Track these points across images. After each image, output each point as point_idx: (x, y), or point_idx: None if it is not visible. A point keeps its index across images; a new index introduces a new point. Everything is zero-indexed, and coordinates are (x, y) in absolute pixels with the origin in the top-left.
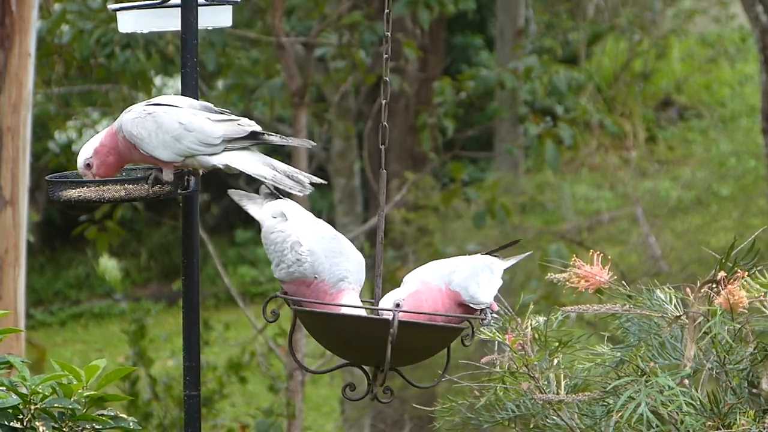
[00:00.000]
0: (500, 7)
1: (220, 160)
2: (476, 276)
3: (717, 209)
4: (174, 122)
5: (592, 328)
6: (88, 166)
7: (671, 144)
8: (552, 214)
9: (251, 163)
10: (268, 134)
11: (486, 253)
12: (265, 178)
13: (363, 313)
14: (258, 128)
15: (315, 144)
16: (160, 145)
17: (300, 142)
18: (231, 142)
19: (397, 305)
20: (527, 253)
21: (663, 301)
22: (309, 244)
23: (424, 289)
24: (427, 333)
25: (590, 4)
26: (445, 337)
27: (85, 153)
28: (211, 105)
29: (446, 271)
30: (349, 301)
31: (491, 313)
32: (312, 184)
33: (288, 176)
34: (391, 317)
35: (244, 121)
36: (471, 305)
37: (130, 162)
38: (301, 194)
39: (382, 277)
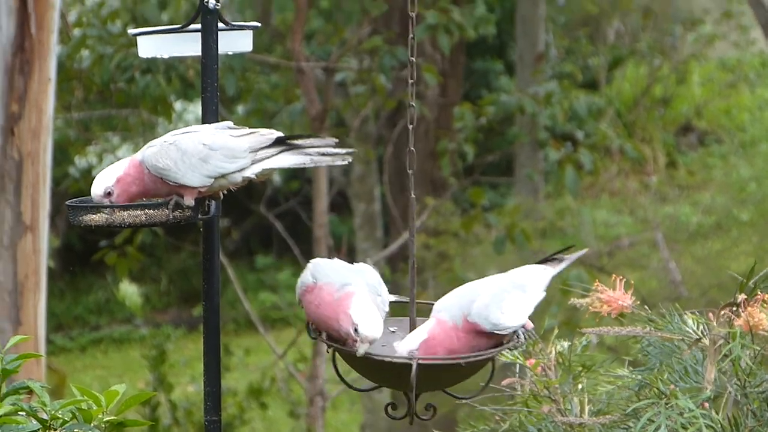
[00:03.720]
0: (520, 32)
1: (252, 170)
2: (500, 301)
3: (737, 234)
4: (198, 144)
5: (613, 353)
6: (109, 194)
7: (691, 169)
8: (572, 239)
9: (284, 159)
10: (291, 138)
11: (538, 262)
12: (305, 165)
13: (387, 352)
14: (280, 134)
15: (337, 140)
16: (188, 170)
17: (324, 141)
18: (258, 152)
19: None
20: (580, 252)
21: (684, 324)
22: (315, 261)
23: (438, 330)
24: (447, 371)
25: (610, 29)
26: (467, 372)
27: (106, 180)
28: (231, 123)
29: (465, 302)
30: (358, 302)
31: (524, 333)
32: (347, 154)
33: (323, 155)
34: (412, 365)
35: (265, 131)
36: (497, 332)
37: (154, 196)
38: (344, 162)
39: (414, 302)
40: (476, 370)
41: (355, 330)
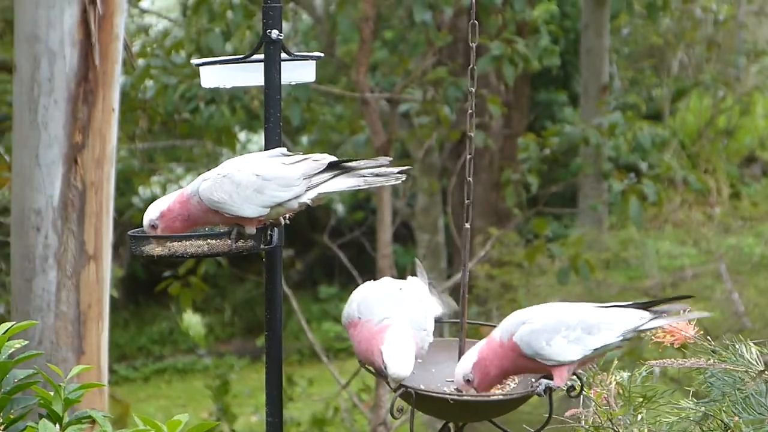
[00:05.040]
0: (584, 63)
1: (308, 196)
2: (553, 332)
3: None
4: (251, 176)
5: (676, 383)
6: (153, 227)
7: (755, 200)
8: (636, 270)
9: (339, 182)
10: (345, 161)
11: (641, 305)
12: (360, 187)
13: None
14: (333, 158)
15: (391, 159)
16: (243, 202)
17: (376, 162)
18: (312, 178)
19: (468, 380)
20: (695, 314)
21: (747, 355)
22: (363, 292)
23: (487, 350)
24: (485, 407)
25: (674, 61)
26: (514, 403)
27: (151, 214)
28: (284, 149)
29: (518, 320)
30: (391, 338)
31: (546, 386)
32: (400, 172)
33: (376, 175)
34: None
35: (317, 155)
36: (539, 361)
37: (205, 225)
38: (397, 182)
39: (465, 332)
40: (518, 403)
41: (385, 367)
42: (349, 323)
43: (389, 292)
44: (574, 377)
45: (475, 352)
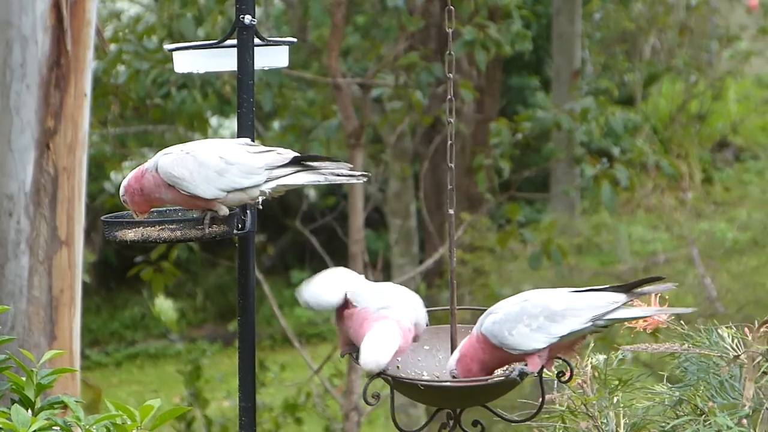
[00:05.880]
0: (556, 48)
1: (267, 186)
2: (513, 322)
3: None
4: (215, 157)
5: (647, 368)
6: (125, 202)
7: (727, 185)
8: (608, 255)
9: (299, 177)
10: (308, 156)
11: (619, 288)
12: (320, 182)
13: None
14: (297, 154)
15: (351, 166)
16: (202, 182)
17: (338, 165)
18: (273, 170)
19: (454, 376)
20: (677, 309)
21: (722, 340)
22: (349, 285)
23: (468, 345)
24: (473, 391)
25: (646, 46)
26: (496, 389)
27: (121, 190)
28: (248, 140)
29: (488, 312)
30: (377, 330)
31: (521, 372)
32: (362, 176)
33: (338, 175)
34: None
35: (282, 150)
36: (506, 350)
37: (158, 204)
38: (359, 181)
39: (456, 318)
40: (500, 389)
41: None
42: (340, 314)
43: (380, 287)
44: (563, 362)
45: (458, 350)
